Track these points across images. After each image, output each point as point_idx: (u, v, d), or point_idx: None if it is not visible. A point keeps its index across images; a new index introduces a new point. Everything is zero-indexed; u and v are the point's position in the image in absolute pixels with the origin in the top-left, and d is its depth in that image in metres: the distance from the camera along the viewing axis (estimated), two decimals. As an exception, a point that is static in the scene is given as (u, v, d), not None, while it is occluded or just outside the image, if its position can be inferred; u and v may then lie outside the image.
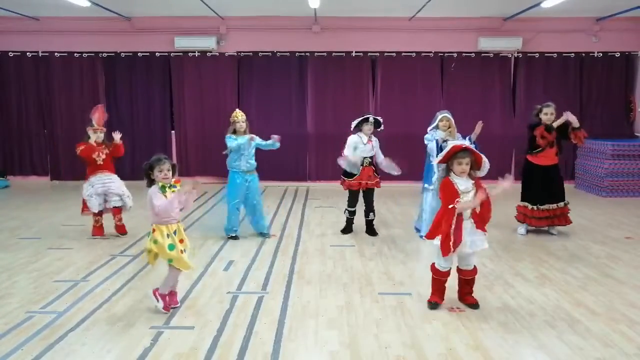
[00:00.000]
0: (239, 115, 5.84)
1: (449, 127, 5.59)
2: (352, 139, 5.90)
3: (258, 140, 5.86)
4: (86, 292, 4.25)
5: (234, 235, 5.92)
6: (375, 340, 3.42)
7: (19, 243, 5.75)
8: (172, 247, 3.75)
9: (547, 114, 5.89)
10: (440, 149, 5.44)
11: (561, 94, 9.57)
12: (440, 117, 5.65)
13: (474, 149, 3.79)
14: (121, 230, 6.04)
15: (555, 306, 3.98)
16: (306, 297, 4.17)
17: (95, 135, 5.82)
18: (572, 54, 9.59)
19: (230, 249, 5.56)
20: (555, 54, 9.59)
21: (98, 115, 5.86)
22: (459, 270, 3.95)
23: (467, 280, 3.98)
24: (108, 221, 6.04)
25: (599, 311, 3.89)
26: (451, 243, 3.69)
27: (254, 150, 5.91)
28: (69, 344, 3.35)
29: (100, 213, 5.89)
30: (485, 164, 3.77)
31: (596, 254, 5.37)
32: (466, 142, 3.80)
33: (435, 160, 3.88)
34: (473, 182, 3.76)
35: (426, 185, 5.82)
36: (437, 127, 5.68)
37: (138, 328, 3.59)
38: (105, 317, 3.77)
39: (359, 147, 5.84)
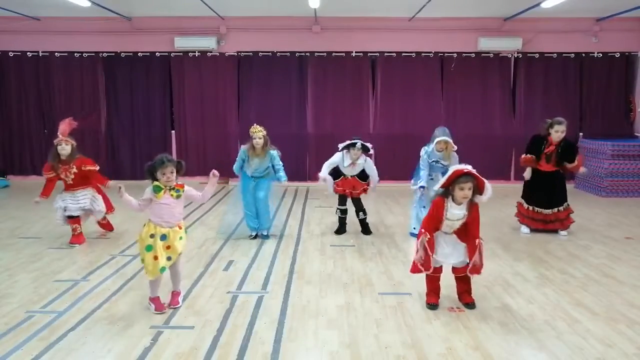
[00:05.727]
0: (255, 131, 5.52)
1: (446, 149, 5.52)
2: (335, 157, 5.98)
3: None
4: (86, 292, 4.26)
5: (252, 235, 5.92)
6: (375, 340, 3.42)
7: (19, 243, 5.75)
8: (149, 248, 3.75)
9: (559, 132, 5.79)
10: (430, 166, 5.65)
11: (561, 94, 9.61)
12: (437, 140, 5.46)
13: (476, 173, 3.59)
14: (106, 228, 6.11)
15: (555, 306, 3.98)
16: (306, 297, 4.17)
17: (61, 148, 5.45)
18: (572, 54, 9.59)
19: (230, 249, 5.56)
20: (555, 54, 9.58)
21: (63, 127, 5.49)
22: (453, 269, 3.95)
23: (461, 278, 3.96)
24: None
25: (599, 311, 3.89)
26: (421, 264, 3.78)
27: (267, 165, 5.70)
28: (69, 344, 3.35)
29: (76, 221, 5.64)
30: (488, 189, 3.60)
31: (596, 254, 5.37)
32: (468, 167, 3.58)
33: (437, 186, 3.81)
34: (466, 211, 3.66)
35: (412, 187, 5.91)
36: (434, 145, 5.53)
37: (138, 328, 3.59)
38: (105, 317, 3.77)
39: (341, 168, 5.94)
